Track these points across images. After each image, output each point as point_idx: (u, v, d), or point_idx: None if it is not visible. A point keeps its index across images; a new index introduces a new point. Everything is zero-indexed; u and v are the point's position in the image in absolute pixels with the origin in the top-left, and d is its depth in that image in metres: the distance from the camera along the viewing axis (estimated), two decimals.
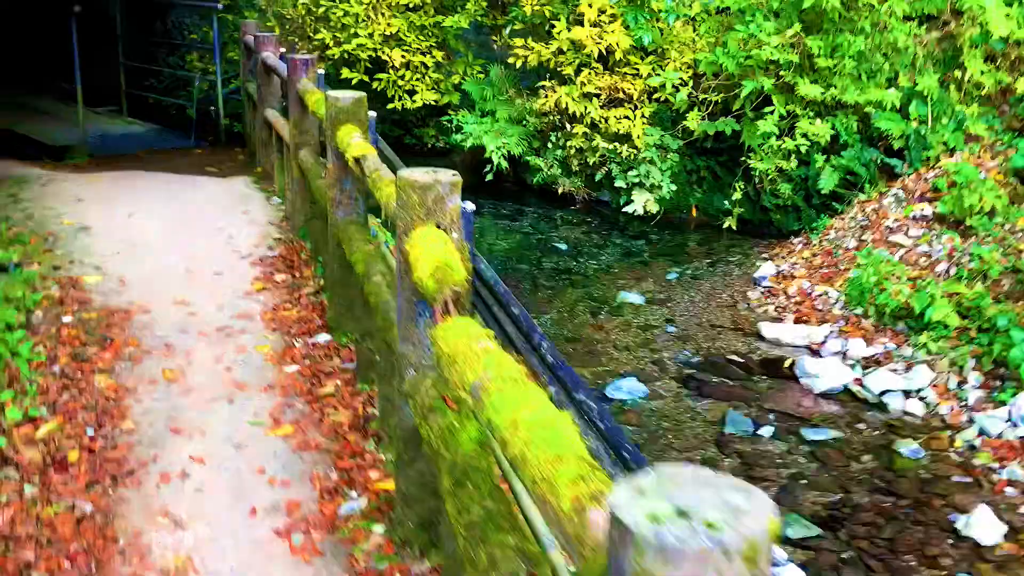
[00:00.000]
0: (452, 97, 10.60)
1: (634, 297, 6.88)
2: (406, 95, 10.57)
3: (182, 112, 10.88)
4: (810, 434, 4.94)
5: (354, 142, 4.02)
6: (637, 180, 8.44)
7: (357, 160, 3.87)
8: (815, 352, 5.85)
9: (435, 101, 10.56)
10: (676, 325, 6.41)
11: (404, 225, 2.75)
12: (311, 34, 10.77)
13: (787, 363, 5.69)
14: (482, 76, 10.45)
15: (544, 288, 7.17)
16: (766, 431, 5.00)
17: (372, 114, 4.54)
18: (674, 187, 8.43)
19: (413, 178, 2.72)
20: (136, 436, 3.67)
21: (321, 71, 6.14)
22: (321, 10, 10.53)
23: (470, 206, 2.87)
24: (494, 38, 10.20)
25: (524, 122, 9.56)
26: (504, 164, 9.33)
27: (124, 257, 5.78)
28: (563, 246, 8.23)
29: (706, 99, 8.04)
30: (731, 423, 5.06)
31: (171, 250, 5.96)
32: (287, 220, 6.67)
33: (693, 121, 7.91)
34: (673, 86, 8.07)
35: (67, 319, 4.74)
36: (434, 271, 2.45)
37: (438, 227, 2.73)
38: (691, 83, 8.23)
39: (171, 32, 12.22)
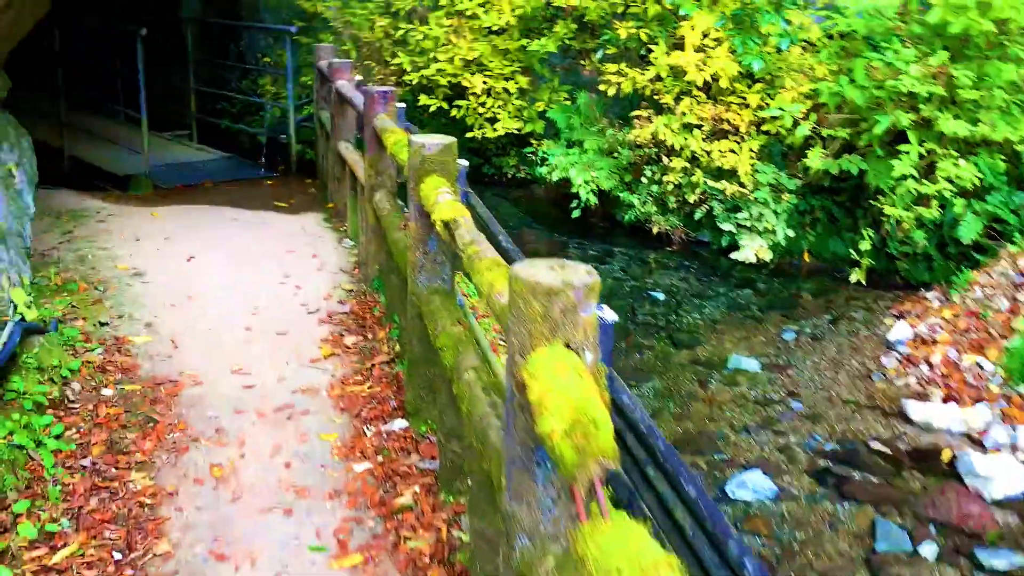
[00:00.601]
0: (536, 126, 9.89)
1: (748, 362, 6.02)
2: (487, 123, 9.90)
3: (253, 139, 10.41)
4: (988, 557, 4.02)
5: (442, 201, 3.29)
6: (747, 224, 7.55)
7: (447, 225, 3.14)
8: (976, 442, 4.91)
9: (518, 130, 9.87)
10: (801, 400, 5.52)
11: (519, 342, 1.99)
12: (388, 58, 10.20)
13: (946, 456, 4.77)
14: (568, 103, 9.73)
15: (642, 348, 6.36)
16: (929, 550, 4.10)
17: (463, 163, 3.83)
18: (791, 233, 7.51)
19: (534, 280, 1.94)
20: (172, 563, 2.99)
21: (401, 106, 5.48)
22: (399, 33, 9.95)
23: (610, 315, 2.10)
24: (583, 63, 9.46)
25: (615, 154, 8.78)
26: (593, 200, 8.56)
27: (179, 311, 5.17)
28: (660, 295, 7.40)
29: (829, 134, 7.13)
30: (883, 536, 4.18)
31: (232, 302, 5.34)
32: (359, 267, 6.02)
33: (815, 158, 7.01)
34: (793, 120, 7.19)
35: (107, 392, 4.13)
36: (570, 429, 1.68)
37: (567, 347, 1.96)
38: (811, 116, 7.33)
39: (244, 55, 11.81)
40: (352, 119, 7.01)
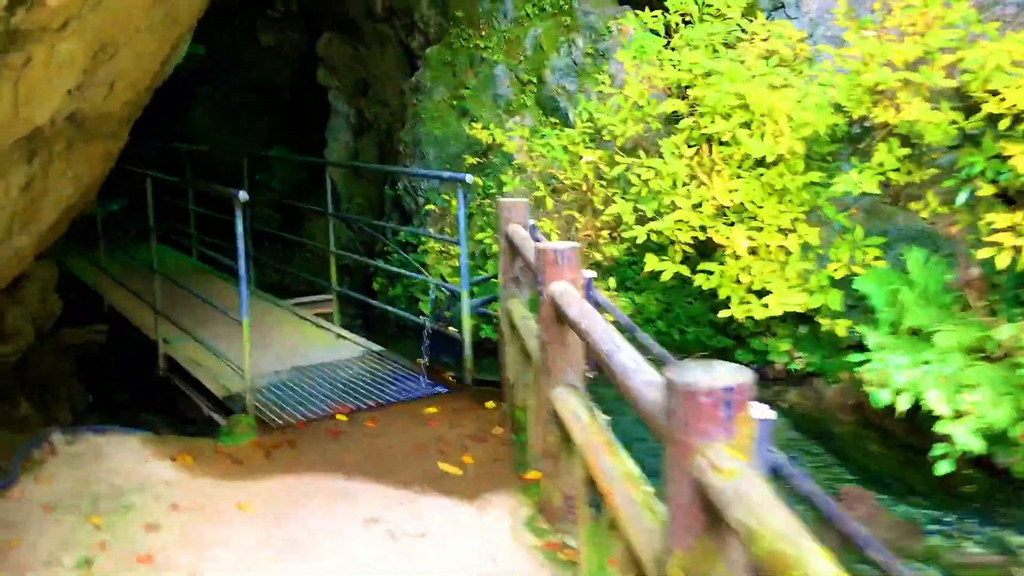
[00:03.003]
0: (829, 298, 6.45)
1: None
2: (753, 297, 6.56)
3: (410, 316, 7.52)
4: None
5: None
6: None
7: None
8: None
9: (803, 307, 6.46)
10: None
11: None
12: (599, 205, 7.12)
13: None
14: (882, 264, 6.28)
15: None
16: None
17: None
18: None
19: None
20: None
21: (766, 415, 2.21)
22: (616, 170, 6.88)
23: None
24: (916, 207, 6.00)
25: (1002, 360, 5.18)
26: (977, 448, 4.96)
27: None
28: None
29: None
30: None
31: None
32: None
33: None
34: None
35: None
36: None
37: None
38: None
39: (401, 201, 9.09)
40: (579, 350, 3.83)
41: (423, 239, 8.38)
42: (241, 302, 5.37)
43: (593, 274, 3.83)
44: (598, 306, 3.80)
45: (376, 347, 7.07)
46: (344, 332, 7.50)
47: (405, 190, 9.08)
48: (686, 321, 7.63)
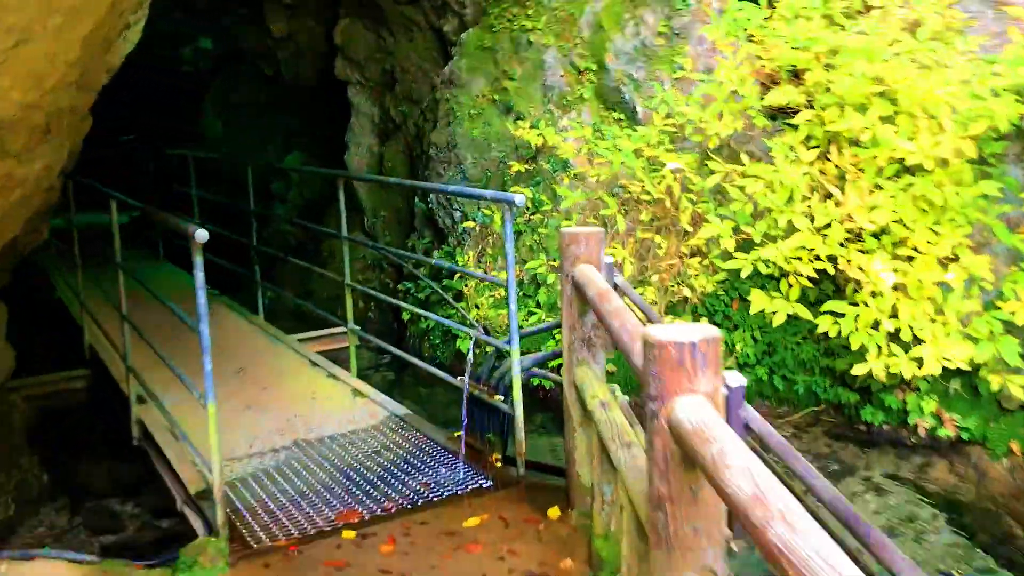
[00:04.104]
0: (1002, 347, 4.80)
1: None
2: (897, 347, 4.93)
3: (442, 374, 5.97)
4: None
5: None
6: None
7: None
8: None
9: (966, 361, 4.82)
10: None
11: None
12: (687, 226, 5.52)
13: None
14: None
15: None
16: None
17: None
18: None
19: None
20: None
21: None
22: (709, 180, 5.27)
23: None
24: None
25: None
26: None
27: None
28: None
29: None
30: None
31: None
32: None
33: None
34: None
35: None
36: None
37: None
38: None
39: (434, 216, 7.57)
40: (719, 508, 2.25)
41: (459, 260, 6.85)
42: (205, 380, 3.87)
43: (742, 381, 2.26)
44: (751, 433, 2.23)
45: (401, 410, 5.54)
46: (362, 387, 6.00)
47: (438, 203, 7.56)
48: (794, 367, 6.02)
